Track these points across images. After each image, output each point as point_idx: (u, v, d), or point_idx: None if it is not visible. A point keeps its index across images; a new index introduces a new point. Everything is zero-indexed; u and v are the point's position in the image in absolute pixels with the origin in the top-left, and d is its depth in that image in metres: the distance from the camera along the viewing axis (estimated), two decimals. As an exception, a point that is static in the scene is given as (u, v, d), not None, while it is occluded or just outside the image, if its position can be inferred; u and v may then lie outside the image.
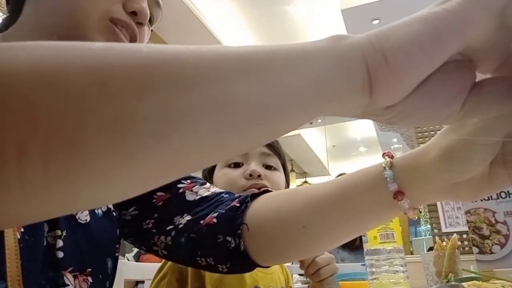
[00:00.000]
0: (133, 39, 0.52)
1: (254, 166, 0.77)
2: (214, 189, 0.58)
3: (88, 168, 0.19)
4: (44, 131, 0.17)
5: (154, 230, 0.53)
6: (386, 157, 0.40)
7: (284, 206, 0.48)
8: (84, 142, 0.18)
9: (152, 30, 0.61)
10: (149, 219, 0.54)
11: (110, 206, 0.55)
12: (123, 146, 0.19)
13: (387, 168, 0.38)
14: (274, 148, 0.83)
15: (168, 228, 0.52)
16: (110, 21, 0.49)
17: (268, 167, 0.81)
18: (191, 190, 0.57)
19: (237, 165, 0.79)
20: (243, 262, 0.49)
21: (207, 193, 0.56)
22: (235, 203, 0.52)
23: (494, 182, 0.35)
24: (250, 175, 0.76)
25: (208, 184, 0.59)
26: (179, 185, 0.57)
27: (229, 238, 0.49)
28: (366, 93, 0.26)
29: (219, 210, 0.52)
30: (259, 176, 0.76)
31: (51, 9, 0.50)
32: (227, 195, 0.55)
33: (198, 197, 0.55)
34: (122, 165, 0.20)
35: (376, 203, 0.40)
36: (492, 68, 0.28)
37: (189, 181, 0.58)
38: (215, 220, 0.51)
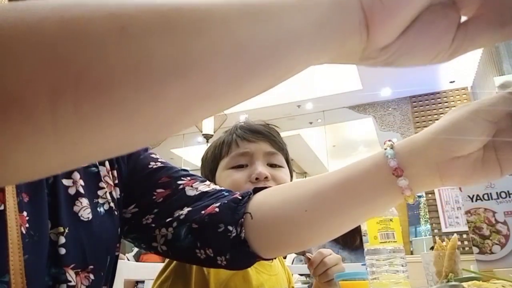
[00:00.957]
0: None
1: (260, 167, 0.76)
2: (215, 186, 0.58)
3: (117, 107, 0.20)
4: (73, 75, 0.19)
5: (153, 225, 0.53)
6: (388, 141, 0.42)
7: (287, 194, 0.49)
8: (111, 84, 0.20)
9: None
10: (149, 215, 0.54)
11: (112, 204, 0.54)
12: (147, 85, 0.20)
13: (388, 148, 0.40)
14: (277, 144, 0.82)
15: (168, 220, 0.53)
16: None
17: (273, 165, 0.80)
18: (191, 186, 0.57)
19: (241, 167, 0.77)
20: (243, 254, 0.49)
21: (207, 189, 0.56)
22: (238, 196, 0.52)
23: (486, 167, 0.38)
24: (257, 178, 0.74)
25: (208, 182, 0.59)
26: (179, 182, 0.57)
27: (230, 228, 0.49)
28: (363, 33, 0.27)
29: (222, 201, 0.52)
30: (265, 178, 0.75)
31: None
32: (227, 193, 0.55)
33: (199, 192, 0.55)
34: (148, 104, 0.21)
35: (377, 182, 0.42)
36: (474, 8, 0.30)
37: (189, 178, 0.58)
38: (217, 209, 0.51)
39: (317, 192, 0.45)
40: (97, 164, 0.56)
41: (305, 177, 8.14)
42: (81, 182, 0.52)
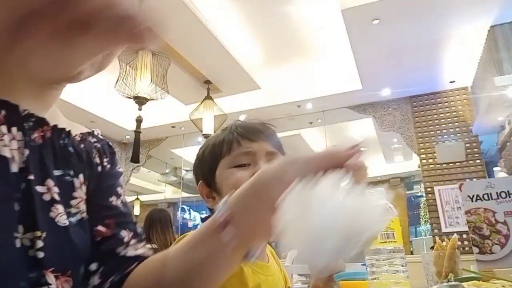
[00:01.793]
0: None
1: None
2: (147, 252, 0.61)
3: None
4: None
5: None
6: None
7: (158, 276, 0.53)
8: None
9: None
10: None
11: (84, 215, 0.56)
12: None
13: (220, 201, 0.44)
14: (277, 144, 0.82)
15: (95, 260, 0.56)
16: None
17: None
18: (128, 245, 0.59)
19: (243, 165, 0.77)
20: None
21: (138, 253, 0.59)
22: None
23: None
24: None
25: (143, 243, 0.62)
26: (121, 233, 0.60)
27: None
28: None
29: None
30: None
31: None
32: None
33: (134, 255, 0.59)
34: None
35: (214, 241, 0.46)
36: None
37: (132, 233, 0.61)
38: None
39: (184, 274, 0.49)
40: (72, 174, 0.57)
41: (305, 177, 8.14)
42: (56, 189, 0.52)
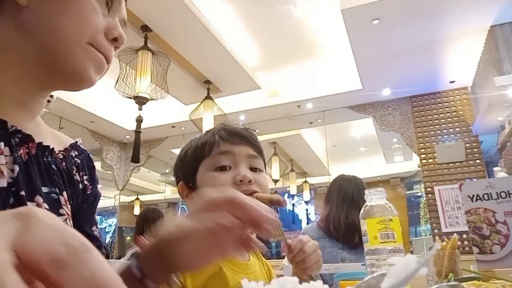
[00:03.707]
0: (108, 59, 0.60)
1: (244, 170, 0.76)
2: None
3: None
4: None
5: None
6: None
7: None
8: None
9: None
10: None
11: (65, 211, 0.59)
12: None
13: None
14: (258, 148, 0.82)
15: None
16: (92, 46, 0.57)
17: (253, 169, 0.79)
18: None
19: (223, 168, 0.77)
20: None
21: None
22: None
23: (208, 248, 0.47)
24: (241, 181, 0.74)
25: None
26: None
27: None
28: None
29: None
30: (249, 181, 0.74)
31: (35, 32, 0.55)
32: None
33: None
34: None
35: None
36: None
37: None
38: None
39: None
40: (57, 191, 0.58)
41: (305, 177, 8.14)
42: (45, 205, 0.54)
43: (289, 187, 7.50)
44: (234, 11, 3.87)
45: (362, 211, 0.72)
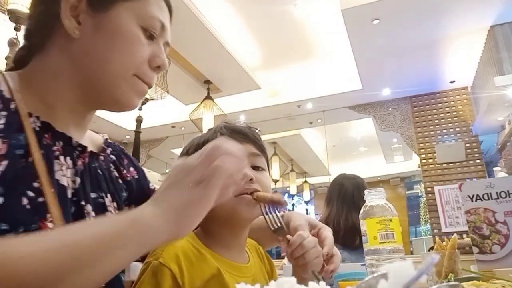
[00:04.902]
0: (150, 86, 0.64)
1: (245, 169, 0.73)
2: None
3: None
4: None
5: None
6: None
7: None
8: None
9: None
10: None
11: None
12: None
13: None
14: (261, 147, 0.80)
15: None
16: (136, 77, 0.61)
17: (255, 168, 0.78)
18: None
19: None
20: None
21: None
22: None
23: None
24: (242, 179, 0.74)
25: None
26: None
27: None
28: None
29: None
30: (250, 180, 0.73)
31: (83, 63, 0.59)
32: None
33: None
34: None
35: None
36: None
37: None
38: None
39: None
40: (103, 195, 0.64)
41: (305, 177, 8.14)
42: (93, 213, 0.60)
43: (289, 187, 7.50)
44: (234, 11, 3.86)
45: (362, 211, 0.72)
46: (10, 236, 0.39)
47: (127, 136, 6.12)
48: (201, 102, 4.63)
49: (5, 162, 0.50)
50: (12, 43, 2.15)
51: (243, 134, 0.79)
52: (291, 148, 6.98)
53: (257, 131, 0.84)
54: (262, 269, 0.83)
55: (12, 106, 0.54)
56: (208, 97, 4.66)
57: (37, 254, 0.38)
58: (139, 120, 3.37)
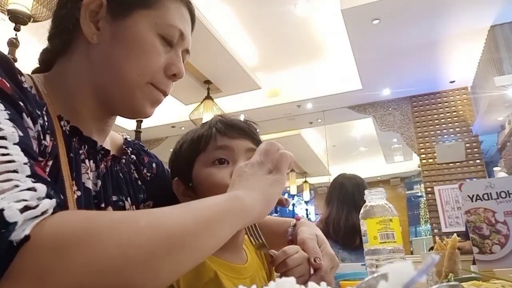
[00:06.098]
0: (166, 94, 0.66)
1: None
2: None
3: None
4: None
5: None
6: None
7: None
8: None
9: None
10: None
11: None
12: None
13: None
14: (258, 141, 0.76)
15: None
16: (152, 85, 0.62)
17: None
18: None
19: (221, 162, 0.72)
20: None
21: None
22: None
23: None
24: None
25: None
26: None
27: None
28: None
29: None
30: None
31: (101, 69, 0.60)
32: None
33: None
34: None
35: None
36: None
37: None
38: None
39: None
40: (123, 198, 0.65)
41: (305, 177, 8.14)
42: None
43: (289, 187, 7.51)
44: (234, 11, 3.86)
45: (362, 211, 0.72)
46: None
47: (127, 136, 6.12)
48: (201, 102, 4.63)
49: (50, 162, 0.51)
50: (12, 43, 2.16)
51: (239, 129, 0.76)
52: (291, 148, 6.87)
53: (255, 124, 0.81)
54: (261, 267, 0.81)
55: (45, 109, 0.55)
56: (208, 97, 4.66)
57: (178, 214, 0.42)
58: (139, 120, 3.38)
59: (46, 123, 0.52)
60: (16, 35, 2.20)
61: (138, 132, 3.43)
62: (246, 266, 0.74)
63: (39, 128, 0.49)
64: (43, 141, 0.50)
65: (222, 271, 0.67)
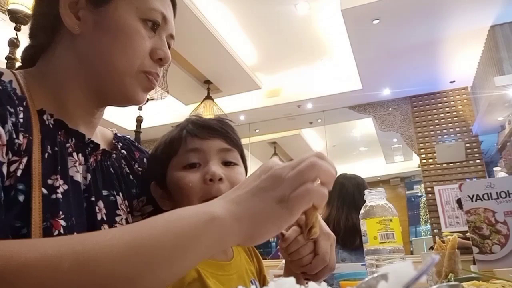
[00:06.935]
0: (157, 79, 0.65)
1: (214, 167, 0.69)
2: None
3: None
4: None
5: None
6: None
7: None
8: None
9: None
10: None
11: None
12: None
13: None
14: (232, 140, 0.74)
15: None
16: (143, 73, 0.62)
17: (227, 163, 0.72)
18: None
19: (193, 166, 0.70)
20: None
21: None
22: None
23: None
24: (211, 179, 0.67)
25: None
26: None
27: None
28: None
29: None
30: (220, 179, 0.68)
31: (88, 60, 0.59)
32: None
33: None
34: None
35: None
36: None
37: None
38: None
39: None
40: (114, 193, 0.65)
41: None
42: (104, 210, 0.61)
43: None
44: (234, 11, 3.86)
45: (362, 211, 0.72)
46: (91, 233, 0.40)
47: (127, 136, 6.12)
48: (201, 102, 4.63)
49: (25, 159, 0.50)
50: (12, 43, 2.16)
51: (211, 129, 0.73)
52: (291, 148, 6.99)
53: (232, 122, 0.79)
54: (249, 265, 0.79)
55: (25, 103, 0.54)
56: (208, 97, 4.67)
57: (117, 250, 0.37)
58: (139, 120, 3.38)
59: (21, 120, 0.50)
60: (16, 35, 2.20)
61: (138, 132, 3.43)
62: (231, 263, 0.72)
63: (10, 128, 0.48)
64: (16, 140, 0.48)
65: (206, 269, 0.65)
